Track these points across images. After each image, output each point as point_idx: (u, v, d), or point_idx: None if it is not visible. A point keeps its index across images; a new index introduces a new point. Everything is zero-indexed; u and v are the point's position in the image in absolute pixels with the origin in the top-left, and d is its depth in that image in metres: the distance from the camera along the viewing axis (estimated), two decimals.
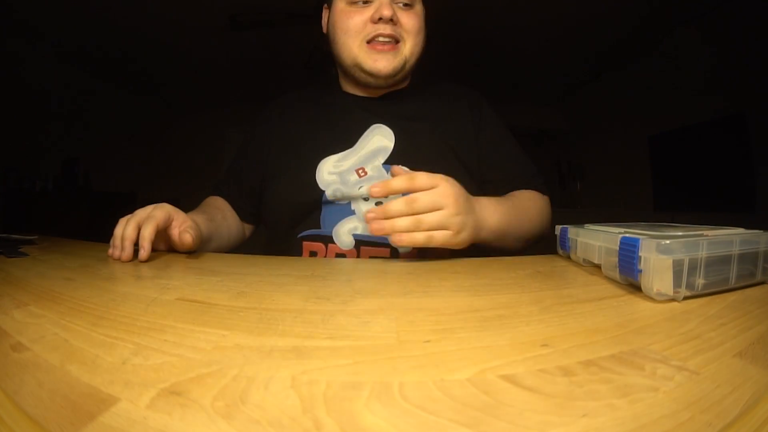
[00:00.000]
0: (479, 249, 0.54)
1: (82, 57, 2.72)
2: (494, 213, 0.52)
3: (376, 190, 0.43)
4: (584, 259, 0.41)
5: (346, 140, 0.64)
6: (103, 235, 0.51)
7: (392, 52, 0.62)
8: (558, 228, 0.49)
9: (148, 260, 0.44)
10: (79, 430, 0.13)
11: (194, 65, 2.97)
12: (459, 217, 0.45)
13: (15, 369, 0.17)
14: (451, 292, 0.31)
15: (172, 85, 3.38)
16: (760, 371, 0.17)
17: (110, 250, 0.46)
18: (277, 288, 0.32)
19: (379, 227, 0.42)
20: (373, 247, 0.58)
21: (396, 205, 0.43)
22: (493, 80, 3.19)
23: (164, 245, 0.51)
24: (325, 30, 0.70)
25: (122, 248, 0.45)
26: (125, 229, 0.46)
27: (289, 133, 0.68)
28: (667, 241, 0.27)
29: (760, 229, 0.33)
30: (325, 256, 0.60)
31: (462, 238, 0.46)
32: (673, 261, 0.27)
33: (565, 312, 0.25)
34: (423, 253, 0.54)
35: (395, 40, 0.62)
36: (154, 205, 0.50)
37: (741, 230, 0.34)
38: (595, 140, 3.46)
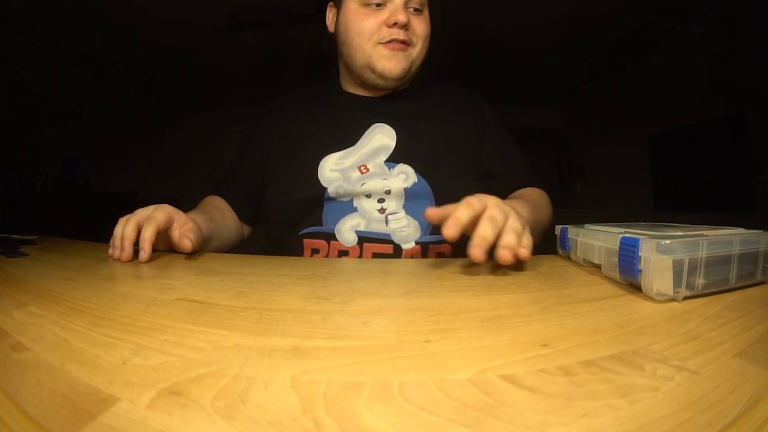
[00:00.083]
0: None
1: (82, 57, 2.72)
2: (523, 209, 0.53)
3: (449, 233, 0.39)
4: (584, 259, 0.41)
5: (347, 139, 0.64)
6: (103, 235, 0.51)
7: (403, 54, 0.62)
8: (558, 228, 0.49)
9: (148, 260, 0.44)
10: (79, 430, 0.13)
11: (194, 65, 2.97)
12: (519, 219, 0.43)
13: (15, 369, 0.17)
14: (451, 292, 0.31)
15: (172, 85, 3.38)
16: (760, 371, 0.17)
17: (110, 250, 0.46)
18: (277, 288, 0.32)
19: (506, 258, 0.37)
20: (376, 243, 0.58)
21: (484, 230, 0.39)
22: (494, 80, 3.19)
23: (164, 245, 0.51)
24: (331, 29, 0.70)
25: (122, 248, 0.45)
26: (125, 229, 0.46)
27: (290, 132, 0.68)
28: (667, 241, 0.27)
29: (760, 229, 0.33)
30: (327, 254, 0.59)
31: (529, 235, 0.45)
32: (673, 261, 0.27)
33: (565, 312, 0.25)
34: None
35: (406, 44, 0.62)
36: (155, 205, 0.50)
37: (741, 230, 0.34)
38: (595, 140, 3.45)
